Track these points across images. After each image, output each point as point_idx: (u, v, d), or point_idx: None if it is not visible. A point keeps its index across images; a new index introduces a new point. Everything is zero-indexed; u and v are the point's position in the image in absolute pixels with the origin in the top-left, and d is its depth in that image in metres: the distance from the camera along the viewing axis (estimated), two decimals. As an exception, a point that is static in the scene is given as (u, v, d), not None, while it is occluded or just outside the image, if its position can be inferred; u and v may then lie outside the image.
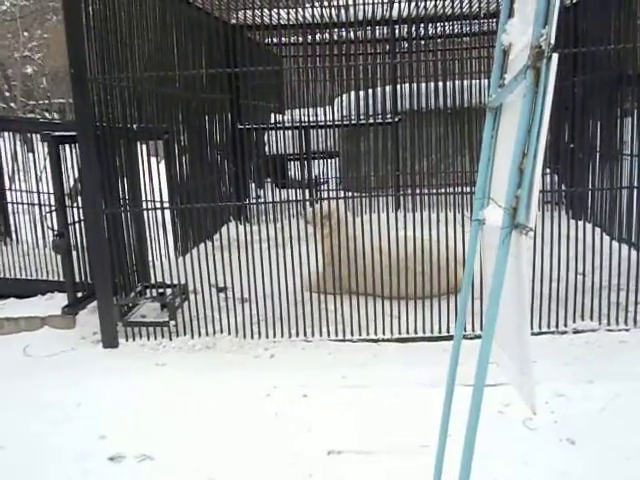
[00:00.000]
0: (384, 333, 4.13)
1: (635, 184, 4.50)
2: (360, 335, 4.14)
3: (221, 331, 4.26)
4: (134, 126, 4.53)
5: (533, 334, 3.96)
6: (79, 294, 4.79)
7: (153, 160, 4.73)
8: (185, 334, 4.26)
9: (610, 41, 5.02)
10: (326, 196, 6.68)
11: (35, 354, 4.14)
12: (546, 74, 1.20)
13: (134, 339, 4.26)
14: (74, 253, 4.80)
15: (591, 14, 5.45)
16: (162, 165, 5.45)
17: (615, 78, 4.98)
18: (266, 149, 8.24)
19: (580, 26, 5.34)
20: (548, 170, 7.28)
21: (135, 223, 4.60)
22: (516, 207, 1.25)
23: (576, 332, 3.98)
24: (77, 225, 4.83)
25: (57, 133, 4.73)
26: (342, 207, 4.69)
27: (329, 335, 4.15)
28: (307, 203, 5.01)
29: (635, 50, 4.90)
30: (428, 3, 5.80)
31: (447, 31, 7.29)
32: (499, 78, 1.63)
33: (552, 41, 1.20)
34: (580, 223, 4.24)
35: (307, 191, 6.57)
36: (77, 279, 4.83)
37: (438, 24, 6.68)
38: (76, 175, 5.11)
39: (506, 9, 1.58)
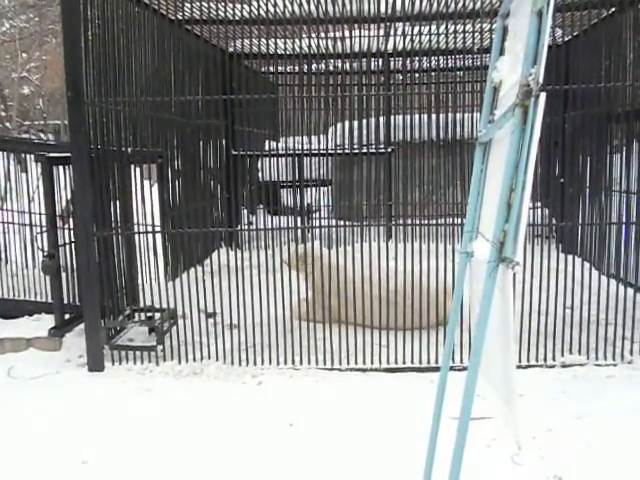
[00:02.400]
0: (372, 363, 4.12)
1: (624, 220, 4.56)
2: (349, 364, 4.12)
3: (209, 357, 4.23)
4: (128, 149, 4.56)
5: (521, 367, 3.96)
6: (67, 316, 4.76)
7: (146, 183, 4.75)
8: (172, 359, 4.23)
9: (600, 79, 5.12)
10: (318, 224, 6.70)
11: (19, 376, 4.09)
12: (534, 112, 1.23)
13: (120, 363, 4.22)
14: (63, 275, 4.78)
15: (582, 52, 5.57)
16: (155, 189, 5.48)
17: (604, 115, 5.06)
18: (259, 176, 8.29)
19: (571, 64, 5.45)
20: (539, 204, 7.36)
21: (126, 246, 4.59)
22: (503, 241, 1.27)
23: (564, 366, 3.99)
24: (68, 247, 4.82)
25: (51, 154, 4.75)
26: (317, 247, 4.70)
27: (317, 363, 4.14)
28: (290, 243, 5.06)
29: (624, 88, 5.00)
30: (422, 37, 5.90)
31: (441, 64, 7.41)
32: (489, 114, 1.67)
33: (540, 80, 1.23)
34: (570, 257, 4.27)
35: (299, 219, 6.59)
36: (65, 301, 4.80)
37: (432, 57, 6.79)
38: (69, 196, 5.11)
39: (497, 47, 1.62)
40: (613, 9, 5.25)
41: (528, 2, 1.29)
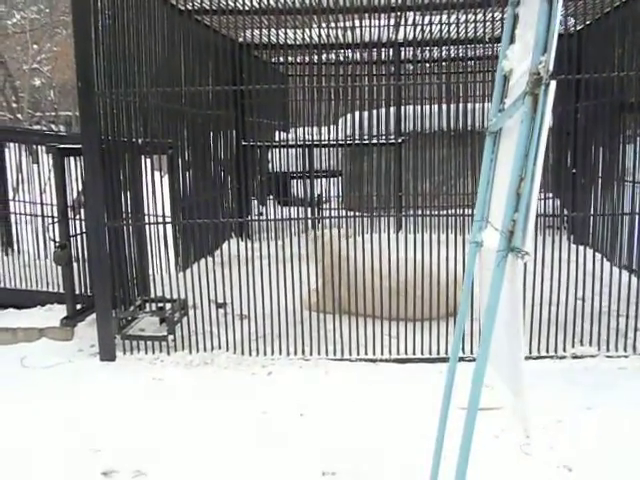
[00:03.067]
0: (382, 353, 4.12)
1: (637, 211, 4.52)
2: (358, 354, 4.13)
3: (219, 347, 4.25)
4: (139, 140, 4.57)
5: (532, 358, 3.95)
6: (78, 306, 4.79)
7: (157, 174, 4.76)
8: (183, 349, 4.26)
9: (613, 68, 5.07)
10: (327, 215, 6.70)
11: (32, 365, 4.13)
12: (544, 101, 1.22)
13: (132, 353, 4.26)
14: (75, 265, 4.81)
15: (594, 41, 5.51)
16: (166, 179, 5.49)
17: (617, 105, 5.01)
18: (269, 166, 8.29)
19: (583, 53, 5.40)
20: (550, 194, 7.31)
21: (137, 237, 4.62)
22: (513, 230, 1.27)
23: (575, 357, 3.97)
24: (79, 237, 4.85)
25: (62, 145, 4.78)
26: (336, 237, 4.69)
27: (327, 354, 4.15)
28: (309, 223, 5.03)
29: (637, 78, 4.95)
30: (433, 27, 5.86)
31: (452, 54, 7.36)
32: (499, 103, 1.66)
33: (550, 68, 1.22)
34: (581, 248, 4.25)
35: (309, 209, 6.59)
36: (77, 291, 4.84)
37: (443, 47, 6.75)
38: (80, 187, 5.14)
39: (507, 35, 1.60)
40: (627, -3, 5.18)
41: (539, -11, 1.27)
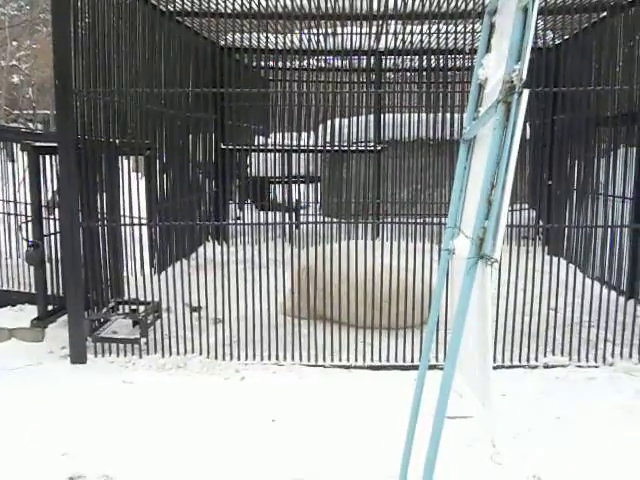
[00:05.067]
0: (356, 360, 4.11)
1: (610, 223, 4.58)
2: (333, 361, 4.12)
3: (192, 351, 4.21)
4: (117, 141, 4.52)
5: (505, 367, 3.98)
6: (50, 307, 4.72)
7: (134, 175, 4.71)
8: (156, 352, 4.21)
9: (589, 83, 5.14)
10: (305, 220, 6.69)
11: (0, 366, 4.05)
12: (516, 109, 1.22)
13: (103, 355, 4.20)
14: (47, 265, 4.74)
15: (572, 56, 5.58)
16: (143, 181, 5.44)
17: (593, 119, 5.09)
18: (248, 171, 8.26)
19: (561, 67, 5.46)
20: (527, 206, 7.39)
21: (112, 238, 4.56)
22: (483, 238, 1.27)
23: (547, 367, 4.01)
24: (53, 237, 4.78)
25: (38, 143, 4.71)
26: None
27: (301, 359, 4.13)
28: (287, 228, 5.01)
29: (613, 92, 5.03)
30: (414, 37, 5.90)
31: (432, 64, 7.41)
32: (474, 111, 1.66)
33: (524, 77, 1.22)
34: (555, 259, 4.29)
35: (287, 214, 6.57)
36: (49, 292, 4.77)
37: (423, 57, 6.80)
38: (55, 186, 5.07)
39: (483, 44, 1.61)
40: (604, 13, 5.27)
41: (514, -1, 1.28)
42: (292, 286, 4.65)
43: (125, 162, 4.82)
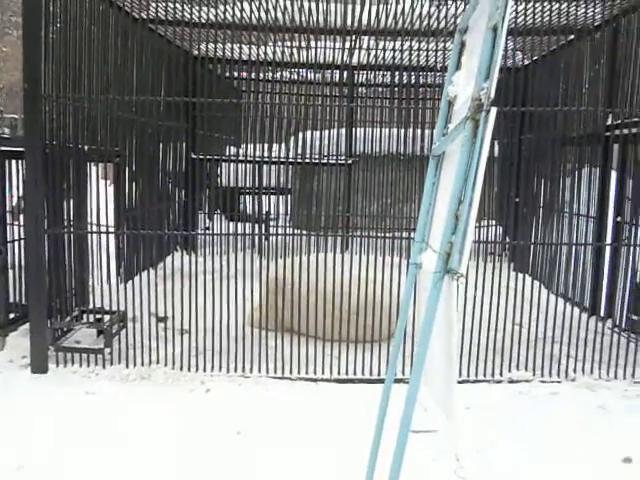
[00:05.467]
0: (323, 373, 4.10)
1: (574, 241, 4.68)
2: (299, 374, 4.10)
3: (157, 362, 4.15)
4: (85, 147, 4.47)
5: (469, 382, 4.01)
6: (11, 315, 4.61)
7: (103, 183, 4.65)
8: (120, 363, 4.13)
9: (556, 103, 5.26)
10: (275, 232, 6.67)
11: (-43, 375, 3.94)
12: (484, 126, 1.24)
13: (65, 365, 4.11)
14: (10, 272, 4.64)
15: (540, 77, 5.71)
16: (112, 189, 5.38)
17: (559, 139, 5.20)
18: (219, 181, 8.23)
19: (529, 87, 5.58)
20: (494, 222, 7.50)
21: (78, 245, 4.49)
22: (450, 252, 1.28)
23: (511, 382, 4.05)
24: (17, 243, 4.68)
25: (4, 147, 4.62)
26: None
27: (268, 372, 4.10)
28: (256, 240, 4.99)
29: (579, 113, 5.15)
30: (387, 53, 5.97)
31: (404, 80, 7.50)
32: (443, 127, 1.68)
33: (492, 95, 1.24)
34: (521, 276, 4.35)
35: (257, 225, 6.55)
36: (11, 299, 4.66)
37: (396, 73, 6.88)
38: (20, 192, 4.97)
39: (454, 62, 1.64)
40: (571, 36, 5.40)
41: (484, 18, 1.31)
42: (260, 298, 4.63)
43: (94, 169, 4.75)
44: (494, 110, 1.22)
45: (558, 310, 4.22)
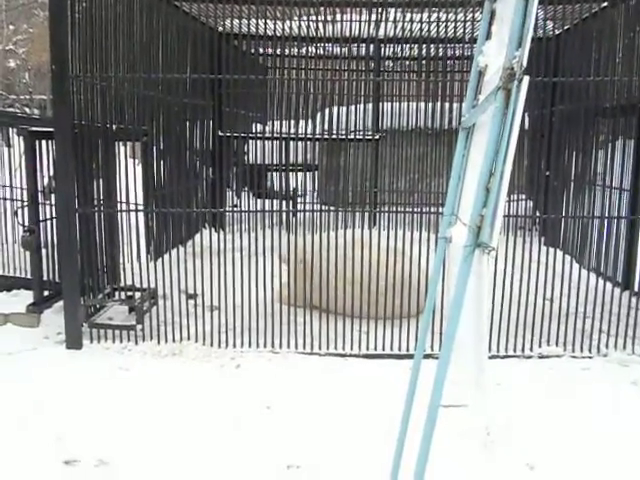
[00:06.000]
0: (352, 348, 4.12)
1: (606, 215, 4.59)
2: (328, 349, 4.12)
3: (188, 338, 4.21)
4: (113, 126, 4.50)
5: (499, 357, 3.99)
6: (46, 293, 4.71)
7: (131, 162, 4.69)
8: (152, 339, 4.20)
9: (589, 73, 5.12)
10: (301, 209, 6.68)
11: (-5, 351, 4.05)
12: (516, 96, 1.21)
13: (99, 341, 4.19)
14: (43, 251, 4.73)
15: (572, 46, 5.56)
16: (140, 167, 5.41)
17: (591, 110, 5.07)
18: (246, 158, 8.23)
19: (561, 57, 5.44)
20: (524, 196, 7.39)
21: (108, 224, 4.55)
22: (480, 226, 1.26)
23: (541, 357, 4.02)
24: (49, 222, 4.76)
25: (34, 128, 4.68)
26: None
27: (297, 347, 4.13)
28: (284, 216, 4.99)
29: (612, 83, 5.01)
30: (414, 25, 5.86)
31: (432, 53, 7.38)
32: (473, 98, 1.65)
33: (524, 64, 1.21)
34: (552, 250, 4.29)
35: (285, 202, 6.56)
36: (45, 277, 4.76)
37: (423, 45, 6.76)
38: (51, 172, 5.04)
39: (484, 31, 1.60)
40: (605, 3, 5.24)
41: (515, -15, 1.27)
42: (288, 276, 4.63)
43: (122, 148, 4.79)
44: (527, 79, 1.19)
45: (590, 285, 4.16)
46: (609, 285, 4.49)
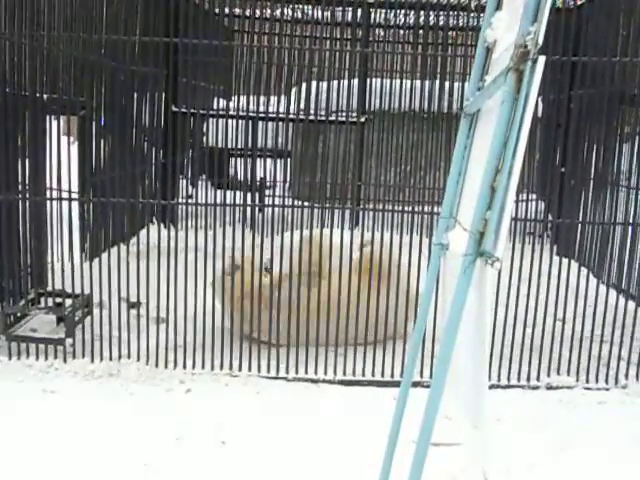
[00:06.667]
0: (325, 373, 4.13)
1: (631, 220, 4.66)
2: (297, 373, 4.12)
3: (128, 356, 4.18)
4: (44, 96, 4.45)
5: (500, 387, 4.03)
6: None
7: (65, 140, 4.65)
8: (84, 356, 4.17)
9: (615, 53, 5.20)
10: (271, 203, 6.67)
11: None
12: (529, 79, 1.23)
13: (19, 357, 4.14)
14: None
15: (596, 20, 5.64)
16: (75, 147, 5.36)
17: (617, 96, 5.15)
18: (204, 140, 8.20)
19: (582, 32, 5.51)
20: (534, 196, 7.48)
21: (35, 215, 4.50)
22: (483, 231, 1.27)
23: (550, 388, 4.07)
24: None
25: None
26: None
27: (259, 371, 4.13)
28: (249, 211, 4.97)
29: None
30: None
31: (431, 22, 7.43)
32: (479, 79, 1.67)
33: (540, 41, 1.23)
34: (565, 261, 4.35)
35: (249, 195, 6.55)
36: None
37: (421, 12, 6.81)
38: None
39: (493, 0, 1.61)
40: (636, -30, 5.32)
41: (532, -53, 1.28)
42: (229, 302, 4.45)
43: (54, 123, 4.74)
44: (542, 59, 1.21)
45: (609, 303, 4.22)
46: (631, 304, 4.55)
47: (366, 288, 4.29)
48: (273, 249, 4.39)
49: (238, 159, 8.31)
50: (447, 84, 7.35)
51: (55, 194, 4.51)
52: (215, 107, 7.93)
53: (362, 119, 7.65)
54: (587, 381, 4.11)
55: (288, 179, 8.43)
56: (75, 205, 4.79)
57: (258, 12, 7.84)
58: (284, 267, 4.25)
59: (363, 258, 4.34)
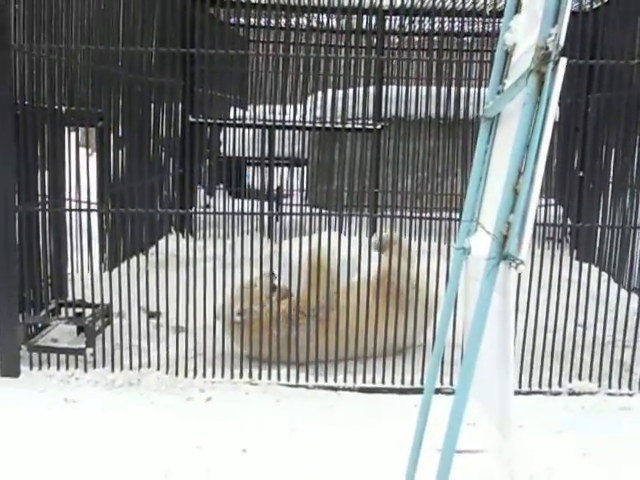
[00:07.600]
0: (345, 380, 4.11)
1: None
2: (317, 381, 4.11)
3: (148, 365, 4.19)
4: (63, 108, 4.48)
5: (522, 393, 3.99)
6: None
7: (83, 151, 4.68)
8: (104, 366, 4.18)
9: (633, 55, 5.16)
10: (288, 211, 6.67)
11: None
12: (551, 81, 1.22)
13: (40, 367, 4.16)
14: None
15: (614, 22, 5.60)
16: (94, 158, 5.40)
17: (636, 99, 5.10)
18: (221, 149, 8.22)
19: (599, 35, 5.48)
20: (552, 201, 7.43)
21: (54, 226, 4.52)
22: (507, 235, 1.26)
23: (572, 394, 4.03)
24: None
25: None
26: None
27: (279, 378, 4.12)
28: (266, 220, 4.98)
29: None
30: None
31: (446, 28, 7.41)
32: (498, 83, 1.66)
33: (561, 42, 1.22)
34: (585, 266, 4.31)
35: (266, 203, 6.56)
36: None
37: (436, 19, 6.80)
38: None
39: (512, 4, 1.61)
40: (652, -27, 5.29)
41: (550, -51, 1.27)
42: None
43: (72, 135, 4.77)
44: (564, 61, 1.20)
45: (631, 308, 4.18)
46: (654, 309, 4.50)
47: (384, 305, 4.26)
48: (281, 266, 4.41)
49: (255, 168, 8.34)
50: (463, 90, 7.34)
51: (74, 205, 4.54)
52: (231, 117, 7.97)
53: (378, 126, 7.65)
54: (610, 387, 4.07)
55: (305, 187, 8.43)
56: (94, 215, 4.82)
57: (273, 21, 7.86)
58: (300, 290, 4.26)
59: (381, 274, 4.30)
